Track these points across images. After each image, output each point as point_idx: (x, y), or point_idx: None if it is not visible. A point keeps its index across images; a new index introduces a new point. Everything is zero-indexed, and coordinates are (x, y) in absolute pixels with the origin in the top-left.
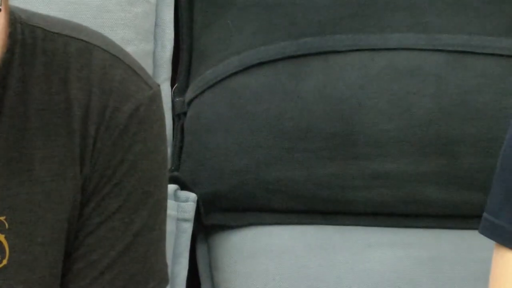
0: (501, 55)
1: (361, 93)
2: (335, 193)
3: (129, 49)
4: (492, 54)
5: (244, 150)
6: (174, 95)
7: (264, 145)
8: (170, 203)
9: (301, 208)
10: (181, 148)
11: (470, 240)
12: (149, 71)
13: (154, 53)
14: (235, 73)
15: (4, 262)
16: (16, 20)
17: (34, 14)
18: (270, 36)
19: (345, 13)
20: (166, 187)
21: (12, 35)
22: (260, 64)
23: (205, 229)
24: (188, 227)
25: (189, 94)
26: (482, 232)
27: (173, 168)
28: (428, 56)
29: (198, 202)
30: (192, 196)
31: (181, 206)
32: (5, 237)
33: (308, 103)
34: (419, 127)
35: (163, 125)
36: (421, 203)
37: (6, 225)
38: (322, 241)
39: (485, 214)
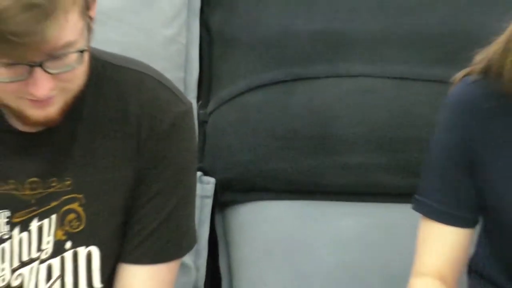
0: (433, 81)
1: (334, 108)
2: (314, 179)
3: (167, 76)
4: (426, 80)
5: (248, 148)
6: (198, 109)
7: (263, 145)
8: (197, 186)
9: (289, 189)
10: (203, 146)
11: (412, 212)
12: None
13: (184, 79)
14: (242, 93)
15: (82, 226)
16: (92, 56)
17: (103, 52)
18: (267, 65)
19: (321, 48)
20: (195, 176)
21: (90, 67)
22: (260, 86)
23: (220, 204)
24: (209, 202)
25: (209, 108)
26: (413, 208)
27: (198, 161)
28: (380, 81)
29: (215, 184)
30: (212, 180)
31: (203, 187)
32: (83, 209)
33: (295, 114)
34: (376, 132)
35: (194, 131)
36: (378, 186)
37: (83, 201)
38: (304, 212)
39: (415, 195)
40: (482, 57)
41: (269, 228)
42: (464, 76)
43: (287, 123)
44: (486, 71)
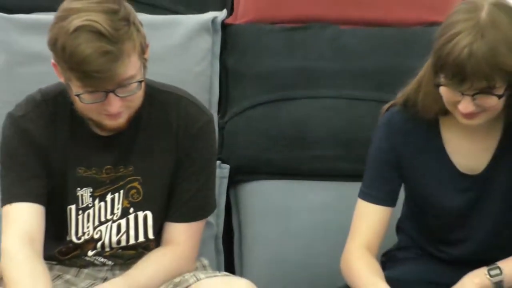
0: (373, 100)
1: (308, 118)
2: (296, 166)
3: (197, 97)
4: (370, 100)
5: (251, 145)
6: (219, 119)
7: (261, 143)
8: (217, 170)
9: (279, 172)
10: (222, 143)
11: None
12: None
13: (209, 99)
14: (246, 109)
15: (140, 198)
16: (146, 84)
17: (154, 81)
18: (262, 91)
19: (299, 79)
20: (216, 163)
21: (145, 91)
22: (259, 104)
23: (233, 182)
24: (225, 181)
25: (226, 118)
26: (358, 196)
27: (217, 153)
28: (339, 101)
29: (230, 169)
30: (227, 166)
31: (222, 171)
32: (141, 186)
33: (282, 122)
34: (337, 134)
35: (214, 134)
36: (338, 170)
37: (141, 180)
38: (289, 188)
39: (360, 186)
40: (402, 93)
41: (265, 198)
42: (390, 106)
43: (277, 128)
44: (405, 103)
